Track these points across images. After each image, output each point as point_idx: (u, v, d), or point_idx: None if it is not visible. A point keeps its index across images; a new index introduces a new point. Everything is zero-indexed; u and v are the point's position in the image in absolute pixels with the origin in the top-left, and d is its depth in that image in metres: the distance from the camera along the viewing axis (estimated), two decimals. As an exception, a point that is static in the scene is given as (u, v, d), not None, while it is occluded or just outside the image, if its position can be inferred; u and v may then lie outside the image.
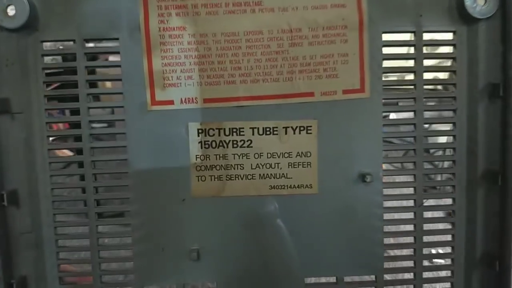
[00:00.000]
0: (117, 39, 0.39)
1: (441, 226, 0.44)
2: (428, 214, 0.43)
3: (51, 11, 0.39)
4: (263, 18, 0.40)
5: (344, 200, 0.41)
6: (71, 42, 0.39)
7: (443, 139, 0.44)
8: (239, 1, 0.39)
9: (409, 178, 0.43)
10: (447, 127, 0.43)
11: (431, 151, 0.43)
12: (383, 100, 0.41)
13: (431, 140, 0.44)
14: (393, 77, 0.42)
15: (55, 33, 0.39)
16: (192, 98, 0.40)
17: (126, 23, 0.39)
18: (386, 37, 0.41)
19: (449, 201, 0.43)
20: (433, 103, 0.43)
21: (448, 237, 0.43)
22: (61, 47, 0.41)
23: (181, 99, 0.40)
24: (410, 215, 0.43)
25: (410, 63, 0.42)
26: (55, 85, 0.43)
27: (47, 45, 0.39)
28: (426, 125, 0.42)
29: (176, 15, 0.39)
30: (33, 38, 0.39)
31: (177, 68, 0.40)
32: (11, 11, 0.37)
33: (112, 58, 0.41)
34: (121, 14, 0.39)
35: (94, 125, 0.40)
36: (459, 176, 0.42)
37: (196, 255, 0.40)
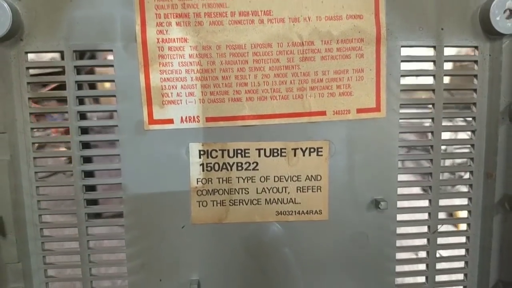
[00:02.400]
0: (110, 50, 0.35)
1: (454, 252, 0.41)
2: (441, 241, 0.40)
3: (37, 18, 0.34)
4: (272, 30, 0.36)
5: (355, 227, 0.39)
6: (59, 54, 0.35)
7: (459, 162, 0.41)
8: (246, 11, 0.35)
9: (424, 203, 0.40)
10: (465, 149, 0.40)
11: (447, 174, 0.40)
12: (400, 120, 0.38)
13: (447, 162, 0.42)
14: (410, 95, 0.39)
15: (41, 44, 0.35)
16: (194, 117, 0.37)
17: (121, 33, 0.35)
18: (404, 51, 0.38)
19: (464, 226, 0.41)
20: (450, 123, 0.40)
21: (461, 264, 0.41)
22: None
23: (182, 117, 0.36)
24: (423, 241, 0.40)
25: (429, 80, 0.39)
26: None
27: (32, 57, 0.35)
28: (444, 147, 0.39)
29: (176, 25, 0.35)
30: (16, 49, 0.35)
31: (178, 84, 0.36)
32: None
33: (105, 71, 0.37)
34: (115, 23, 0.35)
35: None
36: (475, 201, 0.40)
37: (197, 287, 0.37)
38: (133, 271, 0.37)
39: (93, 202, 0.37)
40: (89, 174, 0.38)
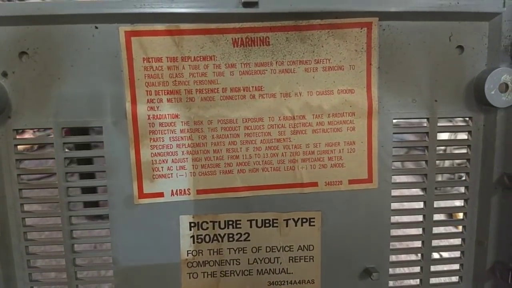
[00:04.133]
0: (100, 127, 0.35)
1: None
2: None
3: (24, 96, 0.34)
4: (263, 105, 0.36)
5: (347, 296, 0.39)
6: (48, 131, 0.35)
7: (451, 228, 0.41)
8: (237, 87, 0.35)
9: (416, 269, 0.40)
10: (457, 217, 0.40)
11: (438, 241, 0.40)
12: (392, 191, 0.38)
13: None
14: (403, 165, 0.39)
15: (30, 121, 0.34)
16: (184, 190, 0.36)
17: (110, 110, 0.35)
18: (397, 123, 0.37)
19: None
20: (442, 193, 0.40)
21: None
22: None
23: (172, 190, 0.36)
24: (415, 307, 0.40)
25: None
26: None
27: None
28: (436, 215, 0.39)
29: (168, 101, 0.35)
30: (4, 127, 0.34)
31: (168, 158, 0.36)
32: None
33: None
34: (105, 100, 0.35)
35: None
36: (466, 267, 0.40)
37: None
38: None
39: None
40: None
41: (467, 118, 0.38)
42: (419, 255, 0.40)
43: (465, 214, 0.39)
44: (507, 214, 0.38)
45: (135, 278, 0.37)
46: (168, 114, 0.35)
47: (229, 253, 0.38)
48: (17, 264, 0.36)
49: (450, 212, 0.40)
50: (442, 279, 0.41)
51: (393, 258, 0.39)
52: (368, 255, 0.39)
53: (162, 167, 0.36)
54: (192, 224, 0.37)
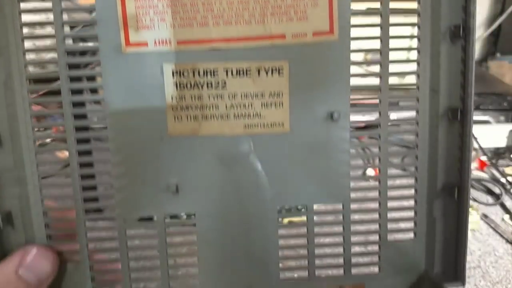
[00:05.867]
0: (89, -19, 0.40)
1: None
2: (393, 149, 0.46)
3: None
4: (234, -40, 0.40)
5: (314, 137, 0.44)
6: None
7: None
8: None
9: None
10: (412, 67, 0.45)
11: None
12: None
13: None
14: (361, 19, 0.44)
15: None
16: (166, 40, 0.41)
17: (98, -36, 0.39)
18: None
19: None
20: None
21: (412, 169, 0.46)
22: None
23: (155, 40, 0.41)
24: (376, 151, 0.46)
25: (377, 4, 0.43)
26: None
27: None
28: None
29: (147, -43, 0.40)
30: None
31: (150, 11, 0.41)
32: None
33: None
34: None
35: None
36: (422, 112, 0.45)
37: (175, 188, 0.43)
38: (119, 176, 0.43)
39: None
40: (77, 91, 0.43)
41: (418, -26, 0.43)
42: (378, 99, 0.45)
43: (418, 63, 0.44)
44: (455, 63, 0.43)
45: (126, 119, 0.42)
46: (149, -31, 0.40)
47: (209, 99, 0.43)
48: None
49: (403, 62, 0.45)
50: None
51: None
52: (331, 102, 0.44)
53: (145, 19, 0.41)
54: (175, 72, 0.42)
